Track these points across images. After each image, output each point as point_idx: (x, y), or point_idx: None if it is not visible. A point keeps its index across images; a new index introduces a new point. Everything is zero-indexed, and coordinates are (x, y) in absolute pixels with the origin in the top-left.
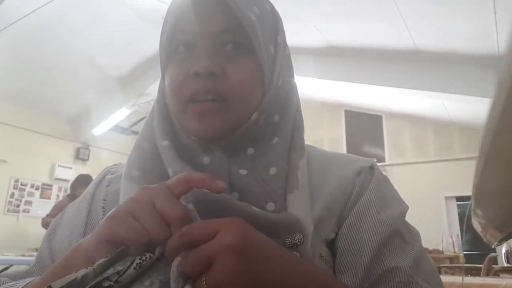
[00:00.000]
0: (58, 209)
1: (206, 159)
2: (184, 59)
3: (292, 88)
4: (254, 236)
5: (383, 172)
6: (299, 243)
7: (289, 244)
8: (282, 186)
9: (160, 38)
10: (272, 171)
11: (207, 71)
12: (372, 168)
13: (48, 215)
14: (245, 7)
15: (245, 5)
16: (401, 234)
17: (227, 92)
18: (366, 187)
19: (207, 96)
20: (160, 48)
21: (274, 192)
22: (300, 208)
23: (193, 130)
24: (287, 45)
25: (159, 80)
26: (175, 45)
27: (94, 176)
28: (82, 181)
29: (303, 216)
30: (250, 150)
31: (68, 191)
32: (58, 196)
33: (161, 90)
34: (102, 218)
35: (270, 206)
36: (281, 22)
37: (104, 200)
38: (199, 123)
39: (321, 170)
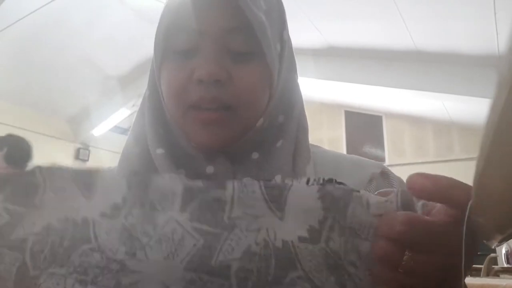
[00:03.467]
0: None
1: (209, 168)
2: (186, 61)
3: (296, 85)
4: None
5: None
6: None
7: None
8: None
9: (156, 33)
10: (277, 178)
11: (212, 78)
12: (383, 174)
13: None
14: (253, 4)
15: (254, 1)
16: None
17: (234, 100)
18: None
19: (212, 104)
20: (155, 43)
21: None
22: None
23: (195, 139)
24: (290, 40)
25: None
26: (174, 43)
27: None
28: None
29: None
30: (255, 155)
31: None
32: None
33: (153, 87)
34: None
35: None
36: (285, 14)
37: None
38: (202, 132)
39: (329, 176)
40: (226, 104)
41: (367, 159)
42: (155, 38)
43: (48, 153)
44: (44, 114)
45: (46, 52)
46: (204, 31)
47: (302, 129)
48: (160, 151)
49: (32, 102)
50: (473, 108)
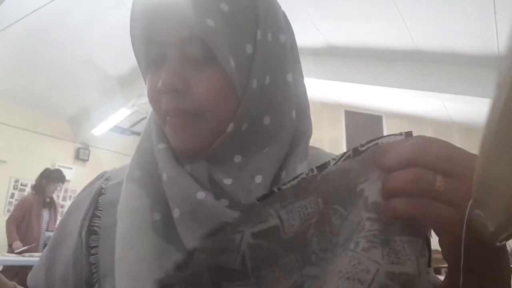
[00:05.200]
0: (23, 207)
1: (187, 167)
2: (157, 72)
3: (287, 84)
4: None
5: None
6: None
7: None
8: None
9: (133, 46)
10: (258, 179)
11: (169, 87)
12: None
13: (12, 216)
14: (205, 11)
15: (205, 7)
16: None
17: (196, 107)
18: None
19: (176, 113)
20: (135, 56)
21: None
22: None
23: (172, 143)
24: (281, 33)
25: None
26: (148, 55)
27: (91, 176)
28: (53, 176)
29: None
30: (237, 158)
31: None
32: (58, 196)
33: None
34: (94, 227)
35: None
36: (267, 10)
37: (100, 210)
38: (175, 138)
39: None
40: (188, 112)
41: None
42: (133, 49)
43: (48, 153)
44: (44, 114)
45: (46, 52)
46: (166, 43)
47: (300, 133)
48: (161, 145)
49: (32, 102)
50: (473, 108)
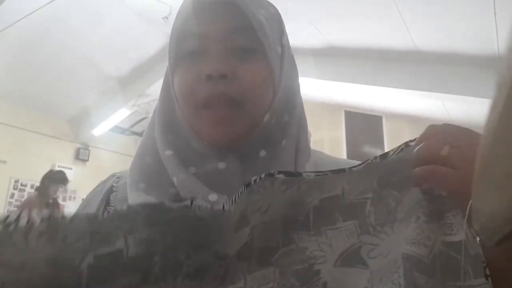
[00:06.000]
0: (26, 208)
1: (221, 164)
2: (195, 63)
3: (297, 88)
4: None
5: None
6: None
7: None
8: None
9: (170, 42)
10: (279, 176)
11: (219, 73)
12: None
13: None
14: (254, 8)
15: (254, 6)
16: None
17: (240, 94)
18: None
19: (220, 99)
20: (169, 52)
21: None
22: None
23: (207, 137)
24: (291, 48)
25: (159, 81)
26: (185, 48)
27: (91, 176)
28: (56, 178)
29: None
30: (262, 153)
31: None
32: (58, 196)
33: (165, 97)
34: None
35: None
36: (284, 25)
37: (112, 206)
38: (213, 130)
39: None
40: (233, 99)
41: None
42: (169, 45)
43: (48, 153)
44: (44, 114)
45: (46, 52)
46: (209, 34)
47: (302, 128)
48: (168, 152)
49: (32, 102)
50: (473, 108)
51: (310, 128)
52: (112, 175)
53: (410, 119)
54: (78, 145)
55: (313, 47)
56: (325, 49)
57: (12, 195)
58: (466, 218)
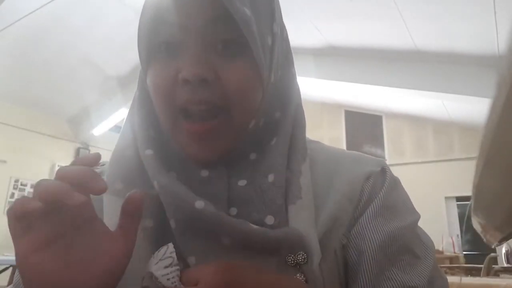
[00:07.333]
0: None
1: (204, 172)
2: (170, 58)
3: (292, 78)
4: (237, 281)
5: None
6: (302, 263)
7: (291, 263)
8: (282, 195)
9: (138, 30)
10: (270, 178)
11: (198, 77)
12: (382, 171)
13: None
14: None
15: None
16: (411, 250)
17: (224, 100)
18: (375, 195)
19: (202, 107)
20: (138, 41)
21: (273, 202)
22: (303, 221)
23: (190, 152)
24: (284, 27)
25: None
26: (158, 39)
27: None
28: None
29: (306, 230)
30: (253, 156)
31: None
32: None
33: (143, 87)
34: None
35: (269, 219)
36: (278, 4)
37: None
38: (195, 146)
39: (327, 174)
40: (216, 106)
41: (368, 156)
42: (138, 36)
43: (48, 153)
44: (44, 114)
45: (46, 52)
46: (186, 24)
47: (298, 125)
48: (149, 152)
49: (32, 102)
50: (473, 108)
51: (311, 127)
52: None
53: (410, 118)
54: (78, 145)
55: (313, 47)
56: (325, 49)
57: (12, 195)
58: (465, 220)
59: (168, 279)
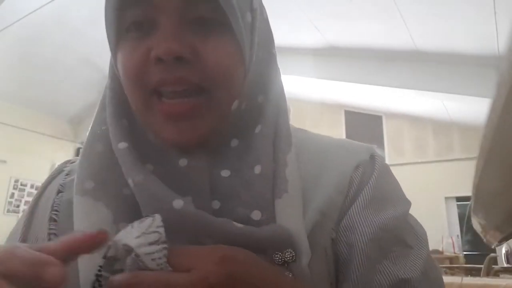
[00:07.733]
0: None
1: (182, 161)
2: (141, 38)
3: (274, 60)
4: (239, 272)
5: None
6: (290, 261)
7: (279, 262)
8: (270, 188)
9: (106, 11)
10: (257, 169)
11: (172, 55)
12: (372, 159)
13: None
14: None
15: None
16: (403, 240)
17: (203, 80)
18: (364, 184)
19: (177, 87)
20: (106, 23)
21: (260, 196)
22: (291, 216)
23: (162, 135)
24: (263, 7)
25: None
26: (128, 18)
27: None
28: None
29: (294, 227)
30: (234, 142)
31: None
32: None
33: (114, 74)
34: (52, 233)
35: (256, 214)
36: None
37: (56, 211)
38: (170, 128)
39: (315, 164)
40: (195, 85)
41: (357, 143)
42: (105, 15)
43: (48, 153)
44: (44, 114)
45: (46, 52)
46: (159, 2)
47: (281, 111)
48: (122, 145)
49: (32, 102)
50: (473, 108)
51: (311, 128)
52: (63, 166)
53: (410, 118)
54: (78, 145)
55: (313, 47)
56: (325, 49)
57: (12, 195)
58: (465, 220)
59: (153, 259)
